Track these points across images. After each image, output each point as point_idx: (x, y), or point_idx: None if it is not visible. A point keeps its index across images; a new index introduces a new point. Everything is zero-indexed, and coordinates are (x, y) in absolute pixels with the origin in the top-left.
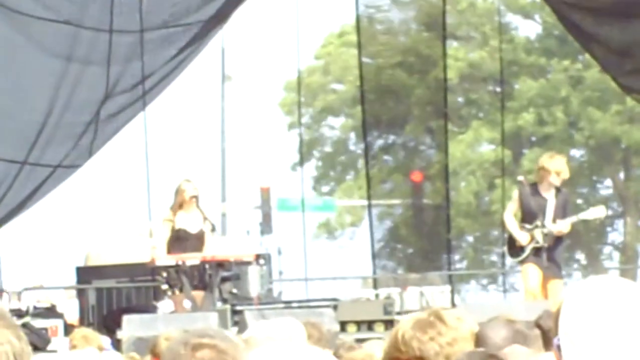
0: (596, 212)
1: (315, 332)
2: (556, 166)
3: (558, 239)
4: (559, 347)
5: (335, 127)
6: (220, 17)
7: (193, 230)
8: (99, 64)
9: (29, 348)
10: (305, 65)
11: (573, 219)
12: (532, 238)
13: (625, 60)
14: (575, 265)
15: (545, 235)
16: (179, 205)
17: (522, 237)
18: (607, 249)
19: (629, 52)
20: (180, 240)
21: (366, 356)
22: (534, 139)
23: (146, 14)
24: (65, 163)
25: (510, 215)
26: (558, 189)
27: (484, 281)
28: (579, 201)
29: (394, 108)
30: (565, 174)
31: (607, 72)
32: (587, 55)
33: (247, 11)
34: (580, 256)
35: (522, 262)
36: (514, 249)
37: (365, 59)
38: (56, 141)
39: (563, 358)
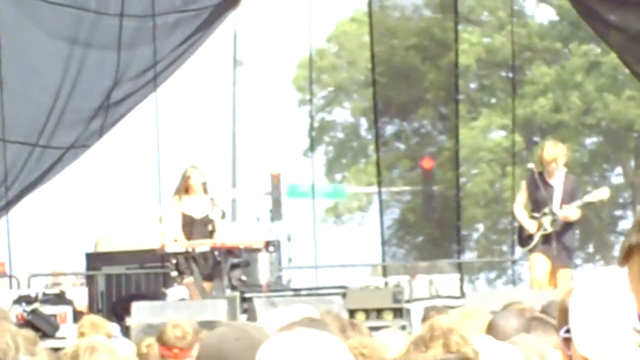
0: (600, 194)
1: (335, 321)
2: (548, 153)
3: (567, 226)
4: (564, 339)
5: (346, 111)
6: (231, 2)
7: (198, 215)
8: (110, 48)
9: (15, 342)
10: (318, 49)
11: (578, 202)
12: (540, 226)
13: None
14: (585, 255)
15: (552, 221)
16: (184, 190)
17: (530, 226)
18: (618, 238)
19: None
20: (185, 226)
21: (379, 346)
22: (545, 126)
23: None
24: (75, 145)
25: (520, 206)
26: (567, 176)
27: (494, 271)
28: (590, 189)
29: (405, 92)
30: (562, 159)
31: (621, 60)
32: None
33: None
34: (590, 246)
35: (530, 251)
36: (524, 238)
37: (377, 43)
38: (67, 124)
39: (575, 348)
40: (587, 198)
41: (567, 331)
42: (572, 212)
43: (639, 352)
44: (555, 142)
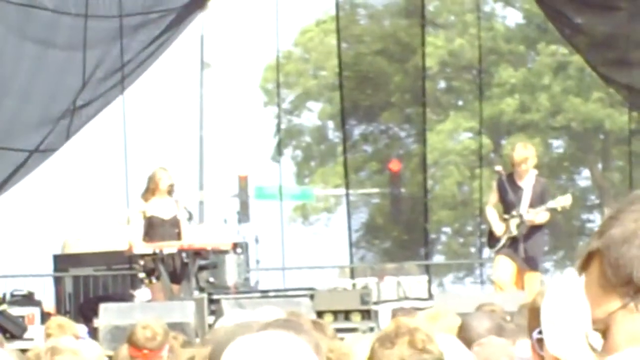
0: (562, 201)
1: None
2: (519, 155)
3: (535, 229)
4: (537, 340)
5: (314, 114)
6: (198, 4)
7: (166, 216)
8: (76, 49)
9: None
10: (285, 52)
11: (542, 207)
12: (507, 228)
13: (607, 50)
14: (554, 257)
15: (519, 224)
16: (151, 192)
17: (497, 228)
18: (585, 241)
19: (611, 42)
20: (154, 227)
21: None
22: (512, 128)
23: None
24: (41, 148)
25: (491, 207)
26: (537, 178)
27: (461, 273)
28: (557, 192)
29: (372, 95)
30: (532, 160)
31: (587, 62)
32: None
33: None
34: (559, 248)
35: (496, 253)
36: (492, 239)
37: (344, 45)
38: (32, 126)
39: (547, 349)
40: (551, 204)
41: (540, 332)
42: (539, 216)
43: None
44: (525, 143)
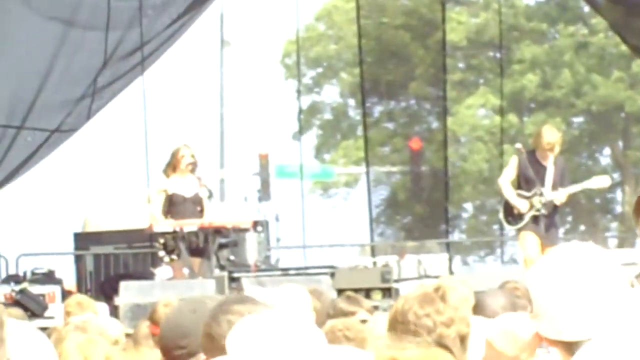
0: (600, 182)
1: (316, 302)
2: (550, 139)
3: (556, 207)
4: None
5: (335, 89)
6: None
7: (188, 194)
8: (98, 29)
9: (1, 315)
10: (306, 25)
11: (577, 187)
12: (532, 206)
13: (636, 20)
14: (576, 236)
15: (544, 203)
16: (172, 168)
17: (521, 205)
18: (607, 219)
19: None
20: (175, 205)
21: (363, 327)
22: (533, 105)
23: None
24: (62, 128)
25: (507, 182)
26: (557, 158)
27: (482, 252)
28: (578, 170)
29: (394, 71)
30: (559, 147)
31: (617, 33)
32: (593, 21)
33: None
34: (581, 225)
35: (520, 229)
36: (512, 216)
37: (365, 20)
38: (53, 106)
39: (536, 324)
40: (587, 184)
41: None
42: (563, 195)
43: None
44: (551, 127)
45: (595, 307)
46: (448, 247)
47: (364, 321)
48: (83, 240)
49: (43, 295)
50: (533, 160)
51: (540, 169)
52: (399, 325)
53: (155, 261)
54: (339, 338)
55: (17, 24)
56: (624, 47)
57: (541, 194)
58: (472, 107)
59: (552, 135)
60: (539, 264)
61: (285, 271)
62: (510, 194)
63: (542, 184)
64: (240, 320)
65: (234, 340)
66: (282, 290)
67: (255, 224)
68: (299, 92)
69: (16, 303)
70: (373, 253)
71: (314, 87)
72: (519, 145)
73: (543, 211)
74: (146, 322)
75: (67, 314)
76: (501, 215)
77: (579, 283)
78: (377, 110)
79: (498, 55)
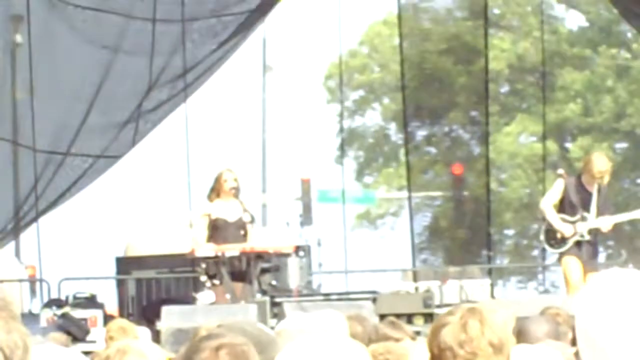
0: None
1: (358, 327)
2: (601, 168)
3: (598, 234)
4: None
5: (377, 114)
6: (263, 8)
7: (232, 218)
8: (142, 55)
9: (26, 340)
10: (350, 50)
11: (624, 217)
12: (576, 231)
13: None
14: (618, 262)
15: (589, 230)
16: (216, 193)
17: (566, 229)
18: None
19: None
20: (219, 230)
21: (404, 351)
22: (575, 131)
23: (189, 4)
24: (106, 153)
25: (550, 205)
26: (601, 185)
27: (524, 277)
28: (620, 195)
29: (436, 96)
30: (609, 174)
31: None
32: (634, 45)
33: (289, 1)
34: (623, 252)
35: (562, 254)
36: (555, 239)
37: (408, 46)
38: (98, 131)
39: (580, 353)
40: (635, 214)
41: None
42: (609, 222)
43: None
44: (602, 154)
45: None
46: (490, 272)
47: None
48: (125, 264)
49: (85, 320)
50: (579, 185)
51: (586, 195)
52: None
53: (197, 286)
54: None
55: (64, 50)
56: None
57: (585, 219)
58: (511, 134)
59: (603, 163)
60: (585, 292)
61: (327, 296)
62: (554, 218)
63: (587, 209)
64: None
65: None
66: (318, 315)
67: (297, 248)
68: (341, 115)
69: (58, 327)
70: (415, 278)
71: (356, 111)
72: (561, 171)
73: (587, 237)
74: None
75: (109, 338)
76: (543, 238)
77: (629, 312)
78: (419, 135)
79: (540, 81)
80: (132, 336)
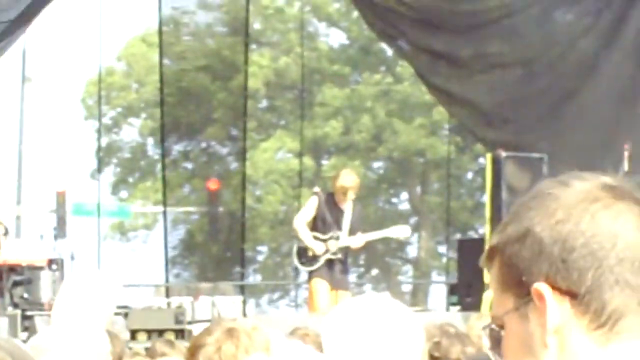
0: (400, 232)
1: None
2: (346, 183)
3: (349, 252)
4: None
5: (135, 130)
6: (25, 18)
7: None
8: None
9: None
10: (107, 67)
11: (376, 235)
12: (327, 249)
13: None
14: (370, 279)
15: (340, 247)
16: None
17: (317, 247)
18: (401, 264)
19: (452, 60)
20: None
21: None
22: (333, 149)
23: None
24: None
25: (303, 223)
26: (355, 203)
27: (276, 294)
28: (375, 214)
29: (194, 112)
30: (356, 190)
31: (421, 78)
32: (398, 69)
33: (50, 12)
34: (375, 270)
35: (312, 272)
36: (306, 257)
37: (167, 62)
38: None
39: None
40: (387, 232)
41: None
42: (361, 240)
43: None
44: (350, 171)
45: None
46: (242, 289)
47: None
48: None
49: None
50: (331, 203)
51: (338, 213)
52: None
53: None
54: None
55: None
56: (427, 96)
57: (337, 238)
58: (269, 150)
59: (348, 179)
60: (335, 316)
61: None
62: (306, 236)
63: (339, 227)
64: None
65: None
66: (75, 330)
67: (51, 262)
68: (99, 132)
69: None
70: (167, 294)
71: (113, 127)
72: (317, 189)
73: (339, 255)
74: None
75: None
76: (295, 257)
77: (373, 337)
78: (176, 150)
79: (299, 98)
80: None
